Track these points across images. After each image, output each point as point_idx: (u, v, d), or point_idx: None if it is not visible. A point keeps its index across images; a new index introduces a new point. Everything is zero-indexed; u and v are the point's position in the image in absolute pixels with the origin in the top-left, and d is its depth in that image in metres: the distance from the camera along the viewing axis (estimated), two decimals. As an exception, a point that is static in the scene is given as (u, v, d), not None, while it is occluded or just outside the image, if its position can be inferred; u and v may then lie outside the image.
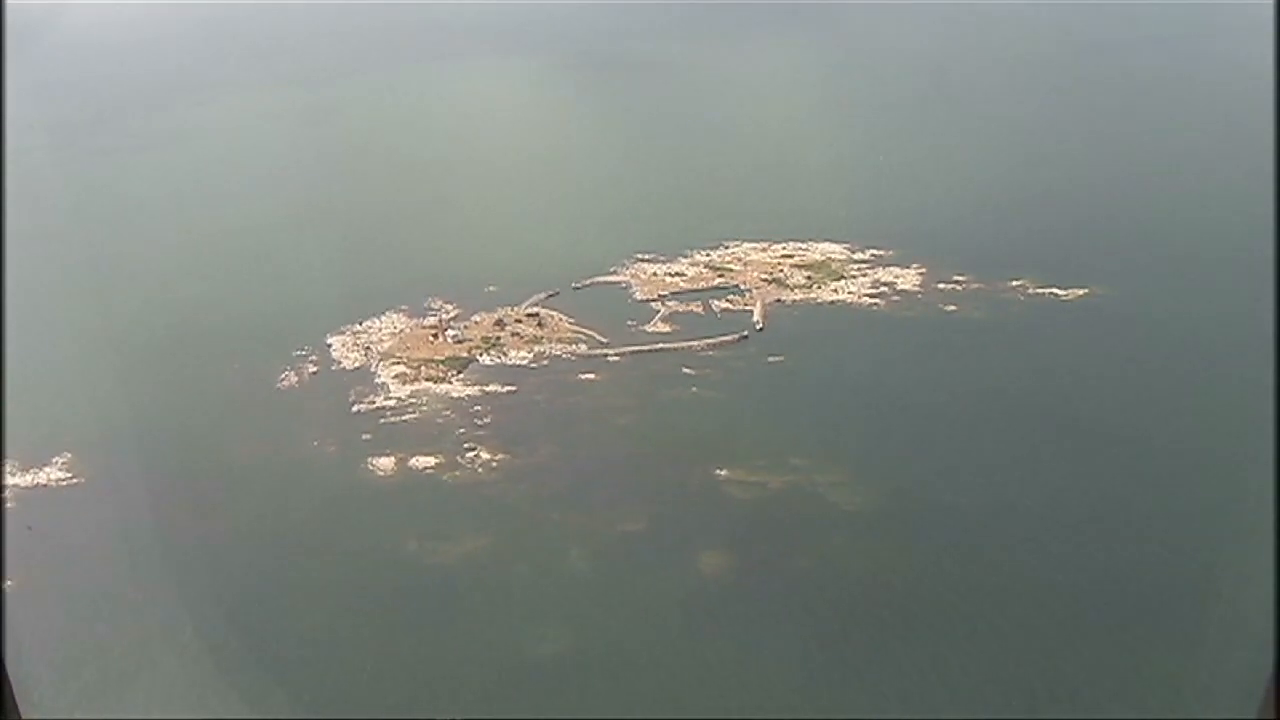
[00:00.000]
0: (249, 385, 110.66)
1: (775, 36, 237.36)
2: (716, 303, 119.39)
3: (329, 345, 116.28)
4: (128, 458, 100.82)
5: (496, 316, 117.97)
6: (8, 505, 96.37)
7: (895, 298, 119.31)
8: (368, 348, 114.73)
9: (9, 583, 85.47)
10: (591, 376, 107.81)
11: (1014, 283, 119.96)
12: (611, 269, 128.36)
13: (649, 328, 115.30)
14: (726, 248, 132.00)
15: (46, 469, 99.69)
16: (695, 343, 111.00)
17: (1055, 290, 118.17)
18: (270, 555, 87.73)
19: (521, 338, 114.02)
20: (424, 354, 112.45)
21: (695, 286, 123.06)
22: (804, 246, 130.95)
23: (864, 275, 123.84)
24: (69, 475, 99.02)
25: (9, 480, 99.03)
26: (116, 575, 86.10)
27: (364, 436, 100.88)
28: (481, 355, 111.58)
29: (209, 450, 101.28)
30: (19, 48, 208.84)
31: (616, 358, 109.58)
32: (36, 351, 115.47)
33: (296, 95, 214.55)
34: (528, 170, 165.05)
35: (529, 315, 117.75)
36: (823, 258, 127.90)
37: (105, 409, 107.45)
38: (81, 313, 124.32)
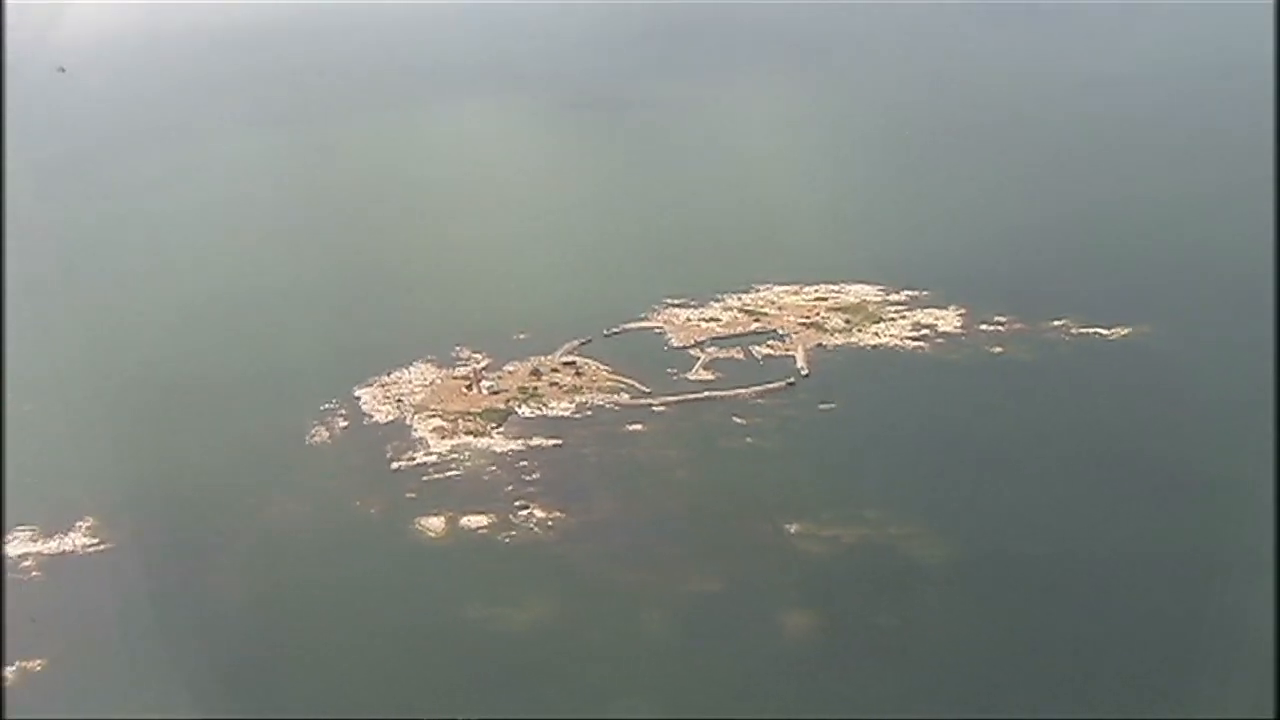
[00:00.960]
0: (278, 441, 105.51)
1: (773, 73, 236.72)
2: (757, 348, 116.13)
3: (357, 398, 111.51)
4: (155, 522, 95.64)
5: (531, 366, 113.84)
6: (32, 574, 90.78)
7: (939, 340, 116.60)
8: (399, 400, 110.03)
9: (37, 663, 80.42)
10: (639, 427, 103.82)
11: (1056, 323, 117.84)
12: (642, 315, 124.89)
13: (691, 375, 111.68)
14: (757, 291, 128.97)
15: (70, 535, 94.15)
16: (742, 390, 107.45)
17: (1099, 330, 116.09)
18: (321, 626, 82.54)
19: (560, 387, 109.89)
20: (459, 406, 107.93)
21: (732, 332, 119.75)
22: (837, 289, 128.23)
23: (903, 317, 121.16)
24: (94, 541, 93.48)
25: (30, 548, 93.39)
26: (150, 653, 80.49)
27: (408, 495, 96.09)
28: (520, 407, 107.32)
29: (242, 512, 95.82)
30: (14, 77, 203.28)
31: (662, 408, 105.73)
32: (50, 410, 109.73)
33: (296, 133, 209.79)
34: (544, 213, 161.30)
35: (565, 364, 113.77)
36: (858, 300, 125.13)
37: (127, 470, 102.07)
38: (93, 368, 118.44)
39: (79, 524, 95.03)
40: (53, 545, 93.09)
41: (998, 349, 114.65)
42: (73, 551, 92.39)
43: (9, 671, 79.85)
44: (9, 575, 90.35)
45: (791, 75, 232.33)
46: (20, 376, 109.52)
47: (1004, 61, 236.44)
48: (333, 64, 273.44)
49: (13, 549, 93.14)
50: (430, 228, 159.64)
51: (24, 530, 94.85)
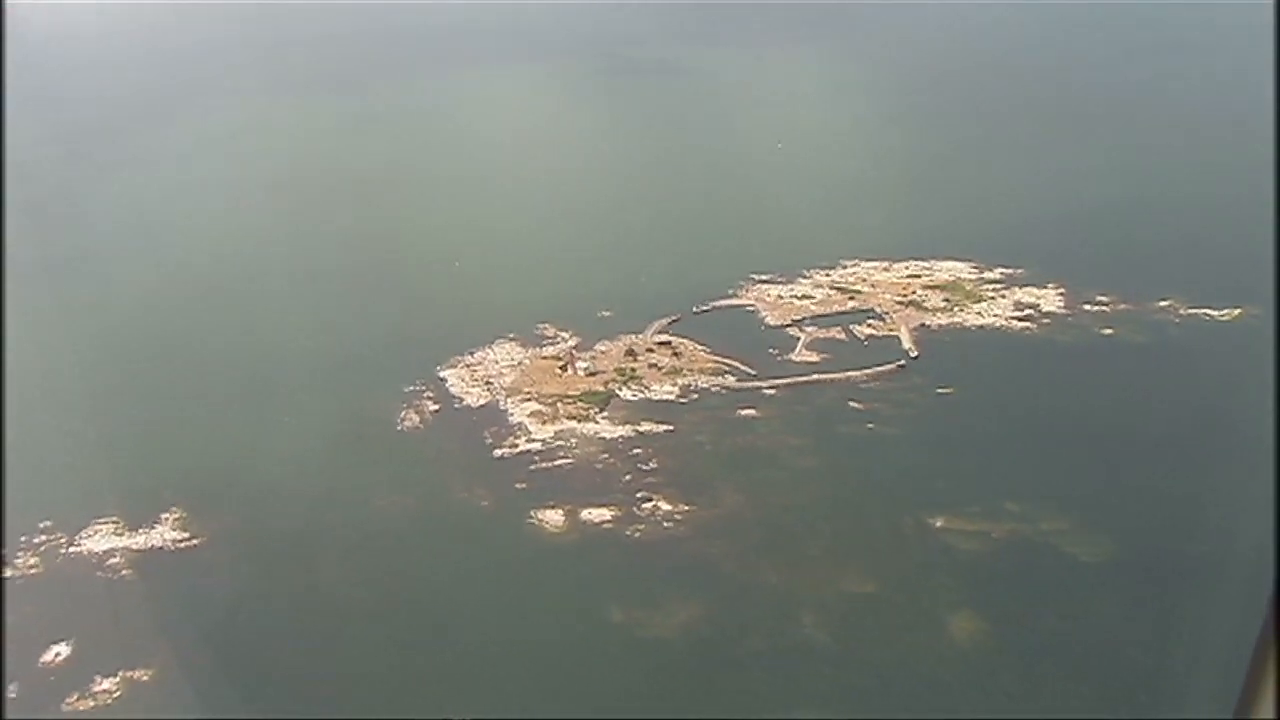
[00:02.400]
0: (365, 426, 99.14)
1: (805, 41, 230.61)
2: (857, 328, 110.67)
3: (442, 379, 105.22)
4: (247, 514, 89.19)
5: (625, 345, 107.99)
6: (122, 573, 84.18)
7: (1045, 320, 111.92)
8: (488, 381, 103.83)
9: (143, 673, 74.29)
10: (752, 413, 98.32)
11: (1162, 303, 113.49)
12: (730, 291, 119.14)
13: (795, 357, 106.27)
14: (845, 267, 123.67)
15: (157, 528, 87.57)
16: (853, 373, 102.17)
17: (1208, 311, 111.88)
18: (452, 631, 76.60)
19: (659, 369, 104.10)
20: (555, 389, 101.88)
21: (829, 311, 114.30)
22: (927, 265, 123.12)
23: (1002, 296, 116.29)
24: (185, 535, 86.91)
25: (116, 543, 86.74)
26: (264, 660, 74.56)
27: (517, 485, 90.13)
28: (620, 389, 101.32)
29: (342, 503, 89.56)
30: (20, 49, 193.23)
31: (772, 391, 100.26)
32: (119, 393, 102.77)
33: (326, 102, 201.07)
34: (611, 183, 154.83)
35: (660, 344, 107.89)
36: (951, 278, 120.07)
37: (209, 456, 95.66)
38: (160, 348, 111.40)
39: (165, 516, 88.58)
40: (139, 540, 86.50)
41: (1108, 330, 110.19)
42: (162, 547, 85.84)
43: (111, 683, 73.84)
44: (96, 573, 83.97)
45: (832, 43, 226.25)
46: (89, 358, 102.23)
47: (1056, 32, 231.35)
48: (361, 31, 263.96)
49: (96, 544, 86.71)
50: (492, 199, 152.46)
51: (105, 523, 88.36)
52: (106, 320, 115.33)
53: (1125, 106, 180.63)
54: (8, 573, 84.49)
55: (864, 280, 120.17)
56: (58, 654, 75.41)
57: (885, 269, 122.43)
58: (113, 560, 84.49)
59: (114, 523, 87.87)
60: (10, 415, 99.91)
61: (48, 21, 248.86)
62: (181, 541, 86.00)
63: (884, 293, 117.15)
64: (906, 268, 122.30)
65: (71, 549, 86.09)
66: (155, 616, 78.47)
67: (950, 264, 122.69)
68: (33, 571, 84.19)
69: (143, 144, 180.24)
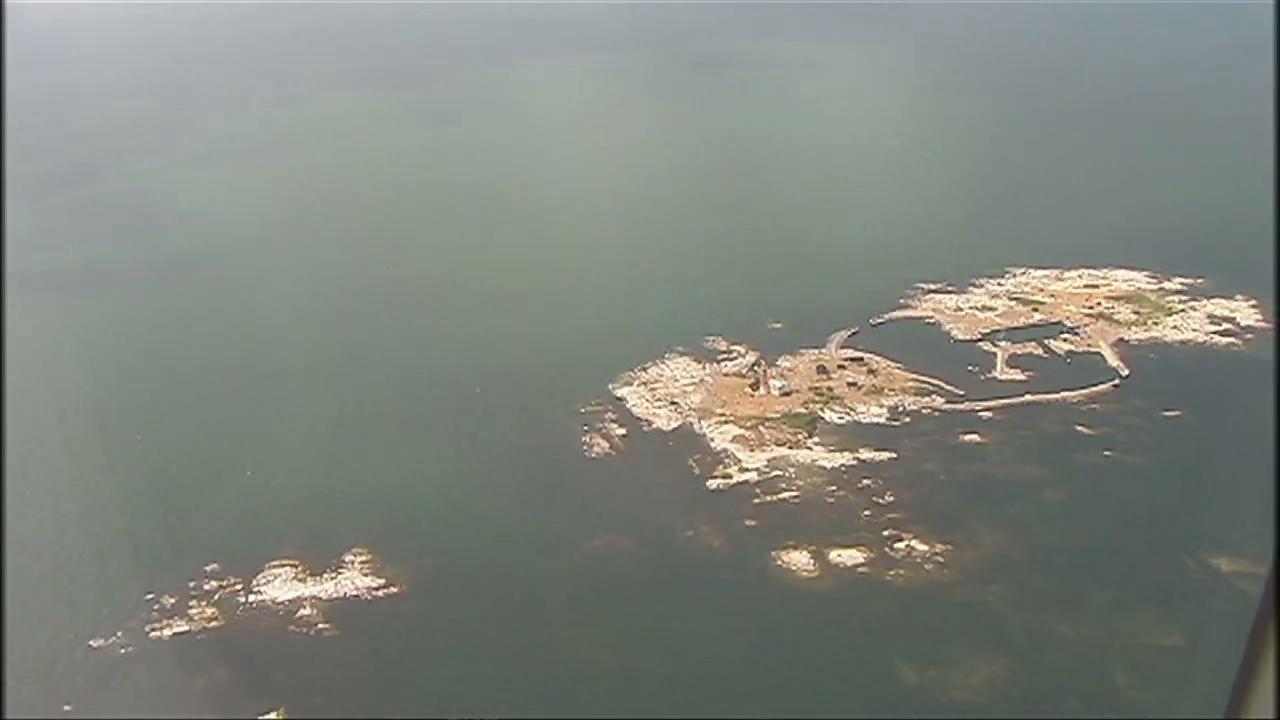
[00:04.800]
0: (551, 453, 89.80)
1: (880, 37, 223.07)
2: (1054, 343, 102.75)
3: (620, 398, 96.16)
4: (445, 555, 79.91)
5: (814, 361, 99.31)
6: (319, 626, 74.16)
7: (1249, 336, 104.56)
8: (673, 401, 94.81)
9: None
10: (975, 438, 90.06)
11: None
12: (901, 301, 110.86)
13: (999, 375, 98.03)
14: (1013, 275, 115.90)
15: (344, 572, 77.81)
16: (1069, 394, 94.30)
17: None
18: (714, 698, 67.38)
19: (858, 388, 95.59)
20: (751, 410, 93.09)
21: (1016, 324, 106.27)
22: (1101, 275, 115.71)
23: (1191, 309, 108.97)
24: (379, 581, 77.24)
25: (302, 591, 76.70)
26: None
27: (747, 523, 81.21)
28: (823, 411, 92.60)
29: (551, 544, 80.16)
30: (83, 45, 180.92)
31: (989, 414, 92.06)
32: (263, 416, 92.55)
33: (397, 97, 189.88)
34: (731, 183, 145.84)
35: (852, 360, 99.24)
36: (1131, 288, 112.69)
37: (384, 489, 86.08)
38: (303, 363, 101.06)
39: (349, 559, 78.67)
40: (327, 587, 76.74)
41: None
42: (358, 595, 76.10)
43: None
44: (289, 627, 73.99)
45: (909, 40, 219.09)
46: (226, 374, 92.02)
47: (1145, 32, 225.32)
48: (410, 22, 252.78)
49: (277, 591, 76.90)
50: (608, 200, 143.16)
51: (282, 566, 78.47)
52: (235, 332, 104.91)
53: (1234, 106, 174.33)
54: (184, 626, 74.46)
55: (1041, 290, 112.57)
56: (271, 727, 65.69)
57: (1058, 278, 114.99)
58: (304, 611, 74.82)
59: (292, 565, 78.25)
60: (143, 437, 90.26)
61: (81, 17, 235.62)
62: (378, 589, 76.34)
63: (1067, 304, 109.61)
64: (1080, 276, 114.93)
65: (251, 597, 76.41)
66: (373, 680, 68.79)
67: (1125, 273, 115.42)
68: (214, 625, 74.35)
69: (217, 136, 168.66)
